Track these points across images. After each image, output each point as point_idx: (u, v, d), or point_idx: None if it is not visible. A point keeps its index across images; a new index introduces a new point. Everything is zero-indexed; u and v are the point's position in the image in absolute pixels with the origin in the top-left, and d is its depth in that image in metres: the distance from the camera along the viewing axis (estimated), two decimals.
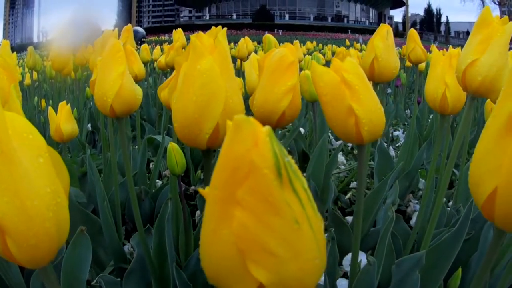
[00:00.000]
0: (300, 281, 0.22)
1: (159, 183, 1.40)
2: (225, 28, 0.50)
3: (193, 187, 1.40)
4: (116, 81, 0.68)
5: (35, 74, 3.08)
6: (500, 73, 0.60)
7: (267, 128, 0.20)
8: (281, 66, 0.54)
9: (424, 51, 1.42)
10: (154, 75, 3.16)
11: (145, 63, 2.30)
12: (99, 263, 1.04)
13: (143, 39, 14.20)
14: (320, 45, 6.39)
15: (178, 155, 0.79)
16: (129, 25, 1.62)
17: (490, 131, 0.30)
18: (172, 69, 1.59)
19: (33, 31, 39.19)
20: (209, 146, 0.46)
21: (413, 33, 1.43)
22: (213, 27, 0.50)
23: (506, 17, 0.63)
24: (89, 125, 1.98)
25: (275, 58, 0.54)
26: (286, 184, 0.20)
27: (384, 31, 0.87)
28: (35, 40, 36.81)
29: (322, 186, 1.11)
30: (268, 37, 1.64)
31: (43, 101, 2.46)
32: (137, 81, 1.30)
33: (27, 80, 2.88)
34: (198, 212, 1.18)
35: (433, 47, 0.85)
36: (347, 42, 7.32)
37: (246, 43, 2.06)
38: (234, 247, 0.21)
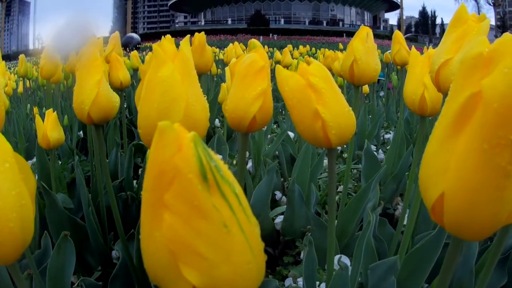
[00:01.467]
0: (234, 284, 0.22)
1: None
2: (188, 36, 0.50)
3: None
4: (93, 89, 0.69)
5: (28, 81, 3.08)
6: None
7: (192, 133, 0.20)
8: (251, 71, 0.54)
9: (409, 53, 1.42)
10: None
11: (135, 70, 2.30)
12: (87, 268, 1.05)
13: (138, 45, 14.26)
14: (314, 49, 6.39)
15: None
16: (116, 32, 1.62)
17: (438, 131, 0.27)
18: None
19: (29, 38, 39.28)
20: None
21: (397, 35, 1.41)
22: (185, 38, 0.50)
23: (483, 14, 0.61)
24: (80, 132, 1.97)
25: (245, 63, 0.54)
26: (213, 188, 0.21)
27: (364, 33, 0.86)
28: (30, 47, 36.90)
29: (308, 190, 1.11)
30: (253, 41, 1.65)
31: (35, 108, 2.46)
32: (123, 88, 1.30)
33: (20, 88, 2.88)
34: None
35: (413, 49, 0.85)
36: (341, 46, 7.31)
37: (235, 48, 2.07)
38: (166, 249, 0.21)
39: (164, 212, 0.21)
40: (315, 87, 0.47)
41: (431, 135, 0.28)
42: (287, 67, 1.93)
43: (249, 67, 0.54)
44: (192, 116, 0.46)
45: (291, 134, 1.66)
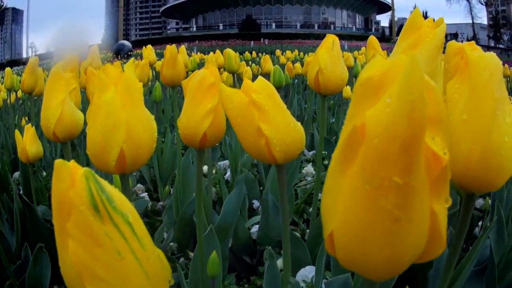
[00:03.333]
0: None
1: None
2: (132, 59, 0.51)
3: (161, 203, 1.40)
4: (57, 108, 0.71)
5: (19, 92, 3.09)
6: None
7: (85, 169, 0.22)
8: (201, 88, 0.55)
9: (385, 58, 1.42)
10: None
11: None
12: None
13: (130, 53, 14.26)
14: (301, 53, 6.39)
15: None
16: (95, 45, 1.63)
17: (332, 162, 0.24)
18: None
19: (22, 47, 39.26)
20: (118, 172, 0.47)
21: (372, 40, 1.40)
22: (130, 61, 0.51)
23: (440, 18, 0.55)
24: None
25: (196, 80, 0.55)
26: (106, 219, 0.23)
27: (330, 41, 0.85)
28: (24, 55, 36.86)
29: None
30: (228, 52, 1.66)
31: (23, 120, 2.47)
32: None
33: (11, 99, 2.88)
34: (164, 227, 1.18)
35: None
36: None
37: (216, 57, 2.07)
38: (74, 270, 0.23)
39: (68, 239, 0.23)
40: (258, 104, 0.47)
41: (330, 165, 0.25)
42: (267, 74, 1.94)
43: (199, 84, 0.55)
44: (135, 138, 0.47)
45: None
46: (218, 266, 0.64)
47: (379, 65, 0.20)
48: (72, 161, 0.23)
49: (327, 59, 0.84)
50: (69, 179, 0.22)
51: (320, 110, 0.87)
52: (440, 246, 0.23)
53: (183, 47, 2.00)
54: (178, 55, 1.10)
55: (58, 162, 0.22)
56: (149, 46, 1.92)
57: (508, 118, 0.33)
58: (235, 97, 0.48)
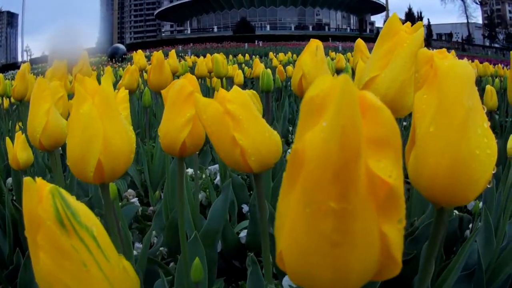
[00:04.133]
0: None
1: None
2: (110, 71, 0.52)
3: (151, 208, 1.41)
4: (43, 118, 0.73)
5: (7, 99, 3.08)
6: (404, 89, 0.53)
7: (51, 187, 0.25)
8: (180, 98, 0.56)
9: None
10: None
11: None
12: None
13: (124, 56, 14.24)
14: (294, 56, 6.39)
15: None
16: (85, 52, 1.64)
17: (282, 183, 0.23)
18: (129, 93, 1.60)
19: (18, 51, 39.20)
20: (97, 181, 0.48)
21: (359, 43, 1.36)
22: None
23: (419, 23, 0.54)
24: (59, 148, 1.98)
25: (174, 90, 0.56)
26: (71, 233, 0.25)
27: (314, 47, 0.85)
28: (19, 59, 36.83)
29: (274, 204, 1.12)
30: (216, 57, 1.66)
31: (17, 125, 2.47)
32: None
33: (5, 104, 2.88)
34: (154, 232, 1.19)
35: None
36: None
37: (205, 61, 2.08)
38: (47, 278, 0.25)
39: (39, 251, 0.25)
40: (232, 114, 0.48)
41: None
42: (259, 78, 1.94)
43: (178, 93, 0.56)
44: (112, 150, 0.48)
45: None
46: (201, 272, 0.64)
47: (323, 84, 0.20)
48: (39, 179, 0.25)
49: (311, 64, 0.84)
50: (37, 196, 0.25)
51: None
52: (395, 267, 0.23)
53: (173, 52, 2.01)
54: (165, 61, 1.11)
55: (27, 180, 0.25)
56: (140, 51, 1.93)
57: (480, 129, 0.31)
58: (209, 107, 0.49)
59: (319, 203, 0.20)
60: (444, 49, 0.37)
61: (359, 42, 1.36)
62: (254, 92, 1.14)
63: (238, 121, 0.49)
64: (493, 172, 0.32)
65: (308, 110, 0.20)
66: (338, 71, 2.89)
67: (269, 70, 1.28)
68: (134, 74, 1.48)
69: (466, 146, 0.31)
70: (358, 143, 0.19)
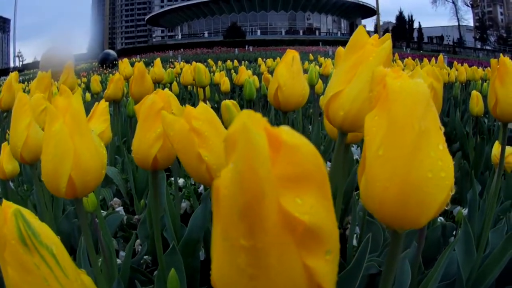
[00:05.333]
0: None
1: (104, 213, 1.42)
2: (80, 88, 0.53)
3: (136, 216, 1.42)
4: (23, 132, 0.76)
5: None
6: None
7: (14, 208, 0.28)
8: (151, 113, 0.57)
9: None
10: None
11: (97, 94, 2.32)
12: None
13: (114, 62, 14.22)
14: None
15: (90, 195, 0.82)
16: (70, 62, 1.64)
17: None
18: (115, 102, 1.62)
19: (10, 56, 39.12)
20: (70, 197, 0.50)
21: (339, 52, 1.34)
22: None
23: (387, 35, 0.52)
24: None
25: (145, 105, 0.57)
26: (33, 251, 0.28)
27: (290, 57, 0.82)
28: (11, 64, 36.79)
29: None
30: (198, 66, 1.67)
31: (7, 134, 2.48)
32: None
33: None
34: (138, 241, 1.20)
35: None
36: (311, 57, 7.36)
37: (190, 69, 2.09)
38: None
39: (7, 266, 0.28)
40: (198, 131, 0.50)
41: None
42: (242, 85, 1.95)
43: (149, 109, 0.57)
44: (82, 167, 0.50)
45: None
46: (177, 283, 0.66)
47: (236, 123, 0.19)
48: (4, 200, 0.29)
49: (286, 75, 0.82)
50: (2, 217, 0.28)
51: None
52: None
53: (158, 60, 2.02)
54: (146, 72, 1.13)
55: None
56: (125, 59, 1.93)
57: (434, 152, 0.30)
58: (176, 124, 0.50)
59: (232, 239, 0.20)
60: (399, 68, 0.34)
61: (340, 50, 1.35)
62: (234, 102, 1.15)
63: (203, 137, 0.50)
64: (451, 193, 0.31)
65: (226, 147, 0.20)
66: (326, 77, 2.90)
67: (251, 79, 1.29)
68: (118, 83, 1.49)
69: (417, 170, 0.30)
70: (260, 186, 0.19)
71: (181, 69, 4.85)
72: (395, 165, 0.30)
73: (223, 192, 0.19)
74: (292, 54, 0.82)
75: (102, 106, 0.88)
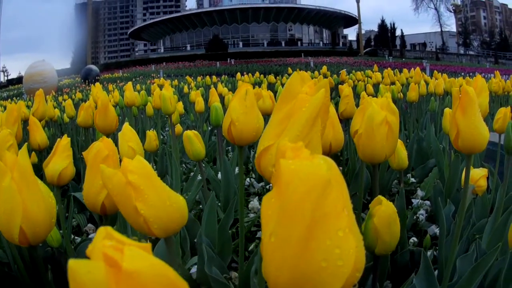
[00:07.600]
0: None
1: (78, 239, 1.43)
2: (26, 144, 0.57)
3: None
4: None
5: None
6: None
7: None
8: (96, 161, 0.59)
9: None
10: None
11: (72, 118, 2.33)
12: None
13: (97, 77, 14.22)
14: (262, 76, 6.43)
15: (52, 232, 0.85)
16: (40, 90, 1.66)
17: None
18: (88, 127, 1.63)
19: None
20: (24, 244, 0.56)
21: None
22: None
23: (325, 81, 0.49)
24: None
25: (91, 154, 0.60)
26: None
27: (243, 91, 0.80)
28: None
29: (223, 241, 1.16)
30: (163, 94, 1.69)
31: None
32: (41, 149, 1.35)
33: None
34: None
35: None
36: (290, 70, 7.46)
37: (159, 94, 2.09)
38: None
39: None
40: (133, 184, 0.51)
41: None
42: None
43: (95, 157, 0.60)
44: (31, 218, 0.55)
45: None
46: None
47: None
48: None
49: (239, 110, 0.80)
50: None
51: (239, 159, 0.88)
52: None
53: (129, 84, 2.05)
54: (109, 104, 1.14)
55: None
56: (98, 84, 1.95)
57: (331, 240, 0.28)
58: (114, 178, 0.51)
59: None
60: (301, 144, 0.30)
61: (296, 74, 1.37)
62: (196, 132, 1.18)
63: (139, 191, 0.51)
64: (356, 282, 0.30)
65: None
66: None
67: (218, 105, 1.29)
68: (88, 110, 1.51)
69: (309, 259, 0.28)
70: None
71: (159, 85, 4.87)
72: (285, 255, 0.28)
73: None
74: (245, 88, 0.80)
75: (64, 142, 0.89)
